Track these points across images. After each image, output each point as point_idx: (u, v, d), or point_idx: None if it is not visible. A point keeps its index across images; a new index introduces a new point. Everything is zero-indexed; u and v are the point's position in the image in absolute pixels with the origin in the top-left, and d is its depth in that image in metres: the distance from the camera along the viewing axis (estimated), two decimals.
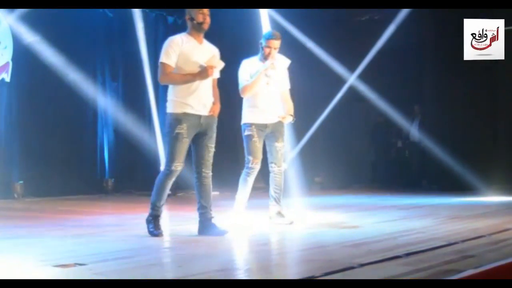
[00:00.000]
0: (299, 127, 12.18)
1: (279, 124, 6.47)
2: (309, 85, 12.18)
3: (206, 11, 5.54)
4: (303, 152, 12.60)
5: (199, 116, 5.49)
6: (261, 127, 6.36)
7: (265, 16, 11.49)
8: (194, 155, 5.63)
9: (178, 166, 5.46)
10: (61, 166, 10.53)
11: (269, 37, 6.39)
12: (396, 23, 11.96)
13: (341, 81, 12.84)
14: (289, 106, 6.57)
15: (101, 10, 11.00)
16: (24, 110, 10.23)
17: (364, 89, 12.76)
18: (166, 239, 5.52)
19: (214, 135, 5.65)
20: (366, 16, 13.24)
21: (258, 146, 6.34)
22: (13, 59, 9.98)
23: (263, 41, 6.39)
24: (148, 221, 5.54)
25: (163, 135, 5.61)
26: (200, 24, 5.52)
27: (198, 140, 5.58)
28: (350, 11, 12.25)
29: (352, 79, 12.81)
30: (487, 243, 4.99)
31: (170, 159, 5.46)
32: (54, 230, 6.19)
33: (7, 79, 9.97)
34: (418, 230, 5.82)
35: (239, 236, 5.74)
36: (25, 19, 9.62)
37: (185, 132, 5.43)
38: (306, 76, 12.23)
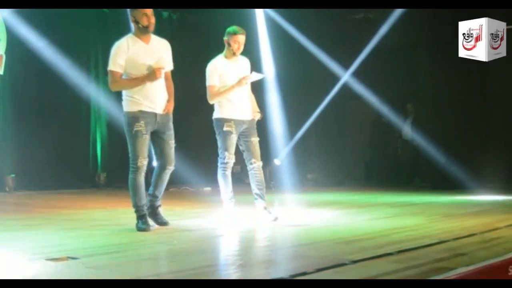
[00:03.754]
0: (293, 124, 12.23)
1: (253, 120, 6.52)
2: (303, 82, 12.21)
3: (149, 12, 5.56)
4: (296, 149, 12.64)
5: (155, 114, 5.58)
6: (240, 124, 6.37)
7: (260, 13, 11.51)
8: (157, 152, 5.77)
9: (143, 161, 5.57)
10: (53, 160, 10.53)
11: (236, 32, 6.37)
12: (390, 22, 11.99)
13: (335, 79, 12.87)
14: (254, 102, 6.62)
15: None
16: (17, 104, 10.22)
17: (358, 87, 12.79)
18: (158, 234, 5.52)
19: (172, 132, 5.75)
20: (360, 14, 13.26)
21: (234, 142, 6.37)
22: (6, 53, 9.96)
23: (228, 38, 6.36)
24: (137, 221, 5.63)
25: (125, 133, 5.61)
26: (146, 27, 5.55)
27: (157, 138, 5.70)
28: (344, 9, 12.26)
29: (346, 77, 12.84)
30: (478, 241, 5.00)
31: (134, 156, 5.57)
32: (46, 224, 6.20)
33: (1, 72, 9.95)
34: (410, 228, 5.84)
35: (231, 232, 5.75)
36: (19, 13, 9.60)
37: (144, 129, 5.52)
38: (300, 73, 12.27)
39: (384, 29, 12.21)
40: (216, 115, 6.42)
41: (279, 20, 11.40)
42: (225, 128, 6.32)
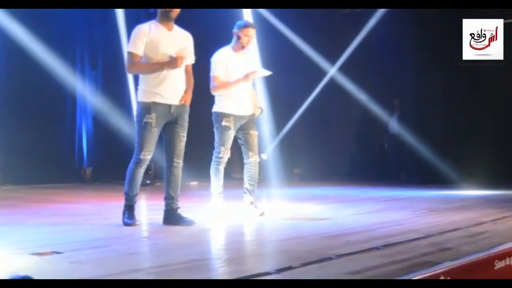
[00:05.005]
0: (280, 118, 12.23)
1: (253, 115, 6.48)
2: (289, 77, 12.19)
3: None
4: (282, 144, 12.64)
5: (169, 106, 5.42)
6: (239, 119, 6.32)
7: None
8: (166, 144, 5.58)
9: (147, 154, 5.41)
10: (39, 155, 10.46)
11: (246, 25, 6.35)
12: (376, 17, 12.01)
13: (321, 74, 12.87)
14: (255, 97, 6.59)
15: None
16: (2, 98, 10.14)
17: (345, 81, 12.81)
18: (144, 228, 5.51)
19: (186, 124, 5.58)
20: (347, 9, 13.24)
21: (231, 137, 6.31)
22: None
23: (238, 30, 6.30)
24: (123, 212, 5.53)
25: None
26: (168, 12, 5.40)
27: (169, 129, 5.52)
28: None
29: (332, 71, 12.85)
30: (464, 235, 5.02)
31: (139, 148, 5.42)
32: (31, 218, 6.15)
33: None
34: (396, 222, 5.85)
35: (218, 226, 5.74)
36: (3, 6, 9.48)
37: (154, 122, 5.37)
38: (286, 68, 12.25)
39: (370, 24, 12.23)
40: (216, 108, 6.36)
41: (266, 15, 11.37)
42: (223, 123, 6.26)
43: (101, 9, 11.07)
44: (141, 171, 5.51)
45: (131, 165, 5.50)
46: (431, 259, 3.84)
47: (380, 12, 11.98)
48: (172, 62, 5.34)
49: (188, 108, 5.58)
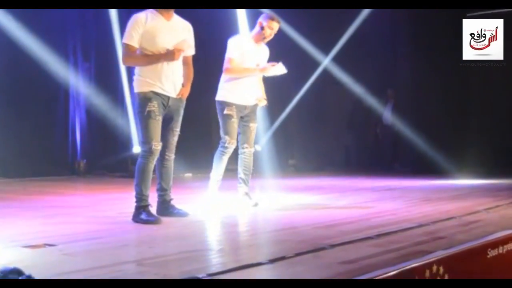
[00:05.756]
0: (274, 109, 12.21)
1: (255, 106, 6.45)
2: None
3: None
4: (277, 134, 12.63)
5: (168, 97, 5.26)
6: (241, 108, 6.29)
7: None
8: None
9: (157, 145, 5.19)
10: (32, 147, 10.41)
11: (273, 18, 6.31)
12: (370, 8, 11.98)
13: (315, 64, 12.86)
14: (262, 89, 6.56)
15: None
16: None
17: (338, 72, 12.80)
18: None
19: (180, 118, 5.44)
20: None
21: (235, 126, 6.26)
22: None
23: (264, 21, 6.27)
24: (138, 213, 5.18)
25: (135, 115, 5.33)
26: None
27: (163, 123, 5.32)
28: None
29: (326, 62, 12.83)
30: (457, 224, 5.04)
31: (147, 139, 5.17)
32: (24, 211, 6.12)
33: None
34: (390, 212, 5.86)
35: (211, 217, 5.73)
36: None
37: (157, 110, 5.17)
38: (280, 58, 12.22)
39: (364, 14, 12.21)
40: (218, 97, 6.32)
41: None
42: (225, 112, 6.23)
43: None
44: (152, 165, 5.25)
45: (140, 160, 5.23)
46: (425, 248, 3.85)
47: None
48: (169, 55, 5.16)
49: (184, 102, 5.45)
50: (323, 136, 13.75)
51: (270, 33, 6.30)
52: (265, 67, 6.25)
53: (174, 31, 5.30)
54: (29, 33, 9.84)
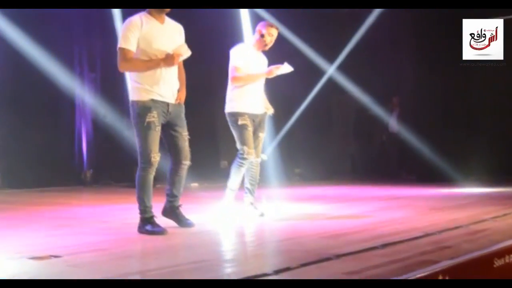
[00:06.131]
0: (279, 118, 12.20)
1: (265, 114, 6.44)
2: (288, 76, 12.15)
3: None
4: (283, 144, 12.62)
5: (167, 104, 5.13)
6: (253, 117, 6.28)
7: (244, 9, 11.47)
8: (171, 146, 5.30)
9: (156, 156, 5.06)
10: (39, 158, 10.44)
11: (272, 25, 6.37)
12: (374, 15, 11.99)
13: (320, 73, 12.86)
14: (264, 97, 6.57)
15: None
16: (1, 101, 10.12)
17: (344, 81, 12.79)
18: None
19: (185, 123, 5.31)
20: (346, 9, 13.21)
21: (251, 135, 6.22)
22: None
23: (263, 29, 6.30)
24: (143, 224, 5.11)
25: (133, 124, 5.13)
26: None
27: (169, 130, 5.23)
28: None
29: (331, 70, 12.83)
30: (464, 233, 5.01)
31: (146, 151, 5.04)
32: (30, 222, 6.14)
33: None
34: (396, 221, 5.84)
35: (217, 227, 5.72)
36: (1, 10, 9.46)
37: (157, 120, 5.04)
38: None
39: (369, 22, 12.21)
40: (228, 109, 6.29)
41: (264, 15, 11.32)
42: (240, 122, 6.18)
43: (98, 10, 11.05)
44: (152, 177, 5.12)
45: (140, 173, 5.11)
46: (430, 258, 3.83)
47: (378, 10, 11.96)
48: (169, 60, 5.04)
49: (183, 107, 5.34)
50: (329, 145, 13.73)
51: (270, 39, 6.32)
52: (271, 69, 6.24)
53: (170, 34, 5.21)
54: (35, 44, 9.88)
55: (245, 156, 6.18)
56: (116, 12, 10.74)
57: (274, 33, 6.33)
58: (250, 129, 6.22)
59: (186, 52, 5.21)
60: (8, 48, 9.72)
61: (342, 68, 12.77)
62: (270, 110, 6.48)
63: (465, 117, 12.08)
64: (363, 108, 13.44)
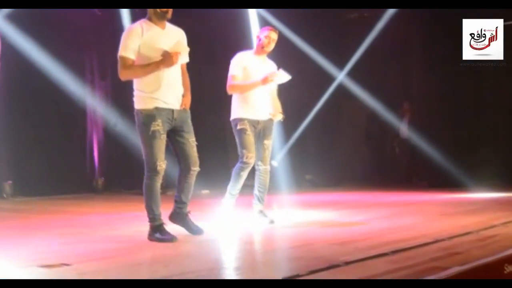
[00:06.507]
0: (290, 125, 12.21)
1: (270, 121, 6.43)
2: (299, 82, 12.16)
3: None
4: (293, 150, 12.61)
5: (172, 111, 5.12)
6: (254, 123, 6.28)
7: (253, 14, 11.50)
8: (179, 153, 5.29)
9: (162, 164, 5.08)
10: (50, 166, 10.48)
11: (268, 28, 6.41)
12: (384, 20, 11.98)
13: (330, 79, 12.85)
14: (277, 103, 6.55)
15: None
16: (13, 109, 10.17)
17: (353, 86, 12.79)
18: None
19: (192, 129, 5.30)
20: (355, 13, 13.22)
21: (252, 140, 6.23)
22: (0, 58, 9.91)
23: (260, 33, 6.36)
24: (153, 232, 5.14)
25: (138, 132, 5.11)
26: (164, 13, 5.09)
27: (176, 137, 5.24)
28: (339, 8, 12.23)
29: (341, 76, 12.83)
30: (474, 239, 5.00)
31: (152, 160, 5.06)
32: (42, 230, 6.17)
33: None
34: (406, 227, 5.84)
35: (226, 234, 5.73)
36: (12, 18, 9.51)
37: (162, 129, 5.05)
38: (295, 73, 12.22)
39: (379, 28, 12.20)
40: (231, 116, 6.35)
41: (272, 20, 11.34)
42: (239, 127, 6.23)
43: (109, 17, 11.09)
44: (159, 185, 5.14)
45: (146, 181, 5.14)
46: (440, 264, 3.83)
47: (388, 15, 11.94)
48: (167, 60, 4.99)
49: (189, 112, 5.33)
50: (340, 151, 13.71)
51: (268, 41, 6.31)
52: (266, 77, 6.18)
53: (171, 38, 5.17)
54: (46, 53, 9.93)
55: (244, 160, 6.20)
56: (126, 20, 10.76)
57: (272, 35, 6.33)
58: (250, 133, 6.24)
59: (184, 51, 5.17)
60: (19, 57, 9.77)
61: (352, 73, 12.76)
62: (277, 117, 6.47)
63: (476, 121, 12.02)
64: (374, 113, 13.41)
